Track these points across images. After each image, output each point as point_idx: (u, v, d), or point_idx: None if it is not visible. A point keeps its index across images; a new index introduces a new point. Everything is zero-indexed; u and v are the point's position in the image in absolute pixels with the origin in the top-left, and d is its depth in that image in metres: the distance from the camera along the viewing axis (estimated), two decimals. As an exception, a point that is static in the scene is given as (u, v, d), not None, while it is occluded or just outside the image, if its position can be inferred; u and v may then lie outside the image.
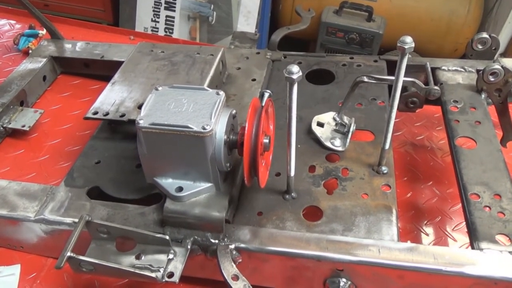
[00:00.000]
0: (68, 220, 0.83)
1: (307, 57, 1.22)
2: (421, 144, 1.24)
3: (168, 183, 0.79)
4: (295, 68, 0.66)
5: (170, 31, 3.01)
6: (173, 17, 2.94)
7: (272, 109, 0.82)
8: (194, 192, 0.78)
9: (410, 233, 1.02)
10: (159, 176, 0.79)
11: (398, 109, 1.14)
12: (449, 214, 1.05)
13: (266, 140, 0.76)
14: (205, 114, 0.74)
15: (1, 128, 1.10)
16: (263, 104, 0.87)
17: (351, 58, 1.20)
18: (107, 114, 0.95)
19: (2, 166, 1.09)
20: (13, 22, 1.62)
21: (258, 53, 1.22)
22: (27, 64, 1.24)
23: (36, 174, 1.08)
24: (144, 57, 1.10)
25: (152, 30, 3.00)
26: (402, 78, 0.75)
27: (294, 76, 0.67)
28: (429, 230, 1.02)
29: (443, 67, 1.13)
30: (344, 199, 0.84)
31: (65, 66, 1.33)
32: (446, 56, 2.98)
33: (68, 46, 1.31)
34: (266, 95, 1.06)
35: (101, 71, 1.28)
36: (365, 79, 0.85)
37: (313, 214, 0.84)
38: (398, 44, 0.71)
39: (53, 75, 1.31)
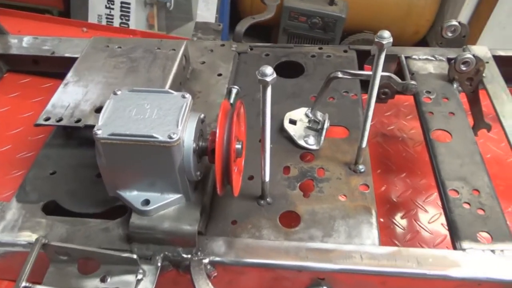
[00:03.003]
0: (22, 241, 0.75)
1: (275, 49, 1.16)
2: (392, 135, 1.22)
3: (133, 196, 0.72)
4: (268, 70, 0.61)
5: (126, 18, 2.87)
6: (129, 4, 2.80)
7: (244, 110, 0.76)
8: (162, 205, 0.72)
9: (386, 228, 1.00)
10: (122, 188, 0.72)
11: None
12: (423, 206, 1.03)
13: (239, 146, 0.71)
14: (171, 120, 0.67)
15: None
16: (231, 101, 0.81)
17: (320, 48, 1.15)
18: (60, 119, 0.86)
19: None
20: (-50, 15, 1.48)
21: (223, 45, 1.15)
22: (-34, 64, 1.13)
23: (-15, 185, 0.98)
24: (100, 54, 1.01)
25: (106, 18, 2.85)
26: (379, 74, 0.71)
27: (268, 79, 0.61)
28: (405, 224, 1.00)
29: (413, 56, 1.10)
30: (321, 202, 0.80)
31: (11, 63, 1.21)
32: (408, 38, 2.99)
33: (13, 41, 1.20)
34: (234, 91, 1.00)
35: (52, 68, 1.17)
36: (340, 74, 0.80)
37: (291, 219, 0.79)
38: (376, 40, 0.67)
39: (-2, 74, 1.19)
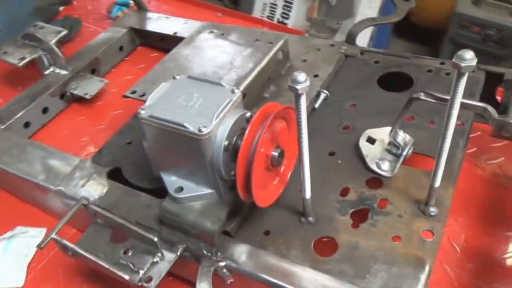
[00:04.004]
0: (79, 197, 0.82)
1: (388, 56, 1.03)
2: (522, 181, 0.98)
3: (171, 180, 0.73)
4: (301, 77, 0.54)
5: (289, 9, 2.92)
6: (293, -6, 2.83)
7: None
8: (193, 196, 0.71)
9: (468, 289, 0.81)
10: (163, 171, 0.74)
11: (492, 135, 0.92)
12: (530, 279, 0.81)
13: (275, 153, 0.65)
14: (209, 113, 0.65)
15: (68, 93, 1.15)
16: (316, 105, 0.74)
17: (442, 63, 0.99)
18: (143, 95, 0.92)
19: (63, 129, 1.14)
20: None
21: (332, 45, 1.07)
22: (107, 34, 1.28)
23: (89, 140, 1.11)
24: (201, 39, 1.04)
25: (270, 7, 2.94)
26: (458, 103, 0.57)
27: (299, 86, 0.54)
28: (498, 293, 0.80)
29: (560, 89, 0.86)
30: (369, 237, 0.69)
31: (144, 38, 1.34)
32: None
33: (148, 18, 1.32)
34: (322, 96, 0.93)
35: (175, 47, 1.25)
36: (422, 96, 0.67)
37: (327, 246, 0.70)
38: (454, 60, 0.54)
39: (131, 46, 1.33)
